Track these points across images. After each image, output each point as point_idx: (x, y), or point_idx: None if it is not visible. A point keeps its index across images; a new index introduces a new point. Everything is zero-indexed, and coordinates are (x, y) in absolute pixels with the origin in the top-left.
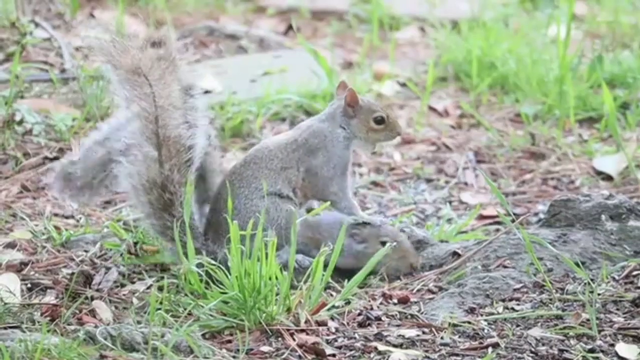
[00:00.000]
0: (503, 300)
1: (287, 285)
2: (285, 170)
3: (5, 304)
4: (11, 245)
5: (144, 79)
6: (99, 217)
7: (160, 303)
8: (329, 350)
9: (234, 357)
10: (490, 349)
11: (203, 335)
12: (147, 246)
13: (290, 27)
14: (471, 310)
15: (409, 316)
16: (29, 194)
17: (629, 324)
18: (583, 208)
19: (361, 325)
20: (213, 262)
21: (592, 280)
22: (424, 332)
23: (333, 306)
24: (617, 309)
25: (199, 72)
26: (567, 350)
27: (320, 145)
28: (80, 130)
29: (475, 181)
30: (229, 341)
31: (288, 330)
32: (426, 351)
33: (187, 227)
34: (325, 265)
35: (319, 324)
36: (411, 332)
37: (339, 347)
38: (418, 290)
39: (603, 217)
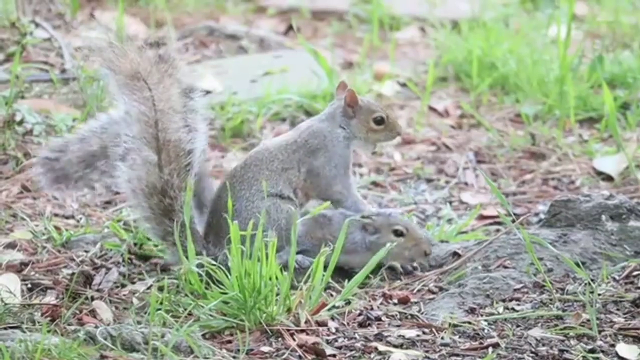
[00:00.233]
0: (503, 301)
1: (287, 286)
2: (286, 171)
3: (6, 304)
4: (11, 246)
5: (143, 83)
6: (99, 217)
7: (161, 303)
8: (329, 351)
9: (234, 357)
10: (490, 349)
11: (203, 335)
12: (147, 247)
13: (290, 27)
14: (471, 311)
15: (409, 316)
16: (30, 194)
17: (629, 324)
18: (583, 208)
19: (361, 325)
20: (213, 262)
21: (592, 280)
22: (424, 333)
23: (333, 306)
24: (618, 309)
25: (199, 72)
26: (567, 351)
27: (320, 146)
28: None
29: (476, 181)
30: (229, 341)
31: (288, 330)
32: (426, 351)
33: (188, 229)
34: (326, 266)
35: (319, 324)
36: (411, 333)
37: (339, 348)
38: (418, 291)
39: (603, 217)
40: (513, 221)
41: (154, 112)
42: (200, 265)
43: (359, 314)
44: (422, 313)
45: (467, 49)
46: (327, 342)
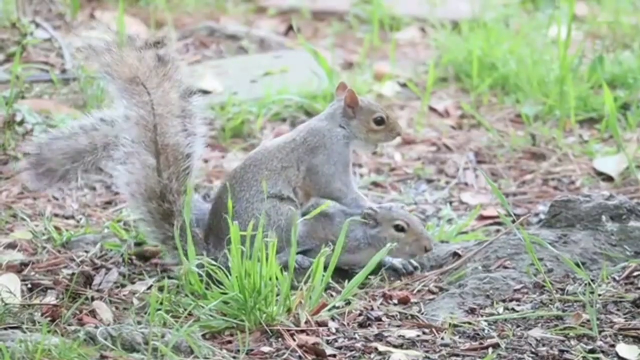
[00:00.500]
0: (503, 301)
1: (287, 286)
2: (286, 170)
3: (6, 304)
4: (12, 246)
5: (142, 87)
6: (99, 217)
7: (161, 303)
8: (329, 351)
9: (234, 357)
10: (490, 350)
11: (203, 335)
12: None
13: (290, 28)
14: (471, 311)
15: (410, 316)
16: (30, 194)
17: (629, 324)
18: (583, 208)
19: (361, 325)
20: (213, 262)
21: (592, 280)
22: (424, 333)
23: (333, 306)
24: (618, 310)
25: (200, 73)
26: (567, 351)
27: (319, 144)
28: None
29: (476, 181)
30: (229, 341)
31: (288, 330)
32: (426, 352)
33: (188, 230)
34: (326, 266)
35: (319, 324)
36: (411, 333)
37: (339, 348)
38: (418, 291)
39: (603, 217)
40: (513, 221)
41: (153, 116)
42: (200, 266)
43: (359, 314)
44: (422, 313)
45: (467, 50)
46: (327, 342)
